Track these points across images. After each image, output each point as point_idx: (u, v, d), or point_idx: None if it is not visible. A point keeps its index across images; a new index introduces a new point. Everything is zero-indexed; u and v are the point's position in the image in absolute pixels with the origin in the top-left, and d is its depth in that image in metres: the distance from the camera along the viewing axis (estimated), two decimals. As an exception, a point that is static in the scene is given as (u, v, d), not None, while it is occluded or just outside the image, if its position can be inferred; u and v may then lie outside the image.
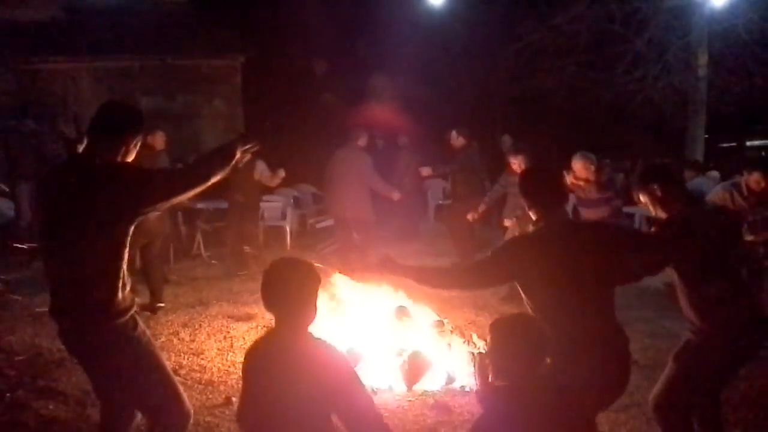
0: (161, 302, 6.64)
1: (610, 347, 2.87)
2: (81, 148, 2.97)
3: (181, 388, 2.98)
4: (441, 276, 3.28)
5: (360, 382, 2.39)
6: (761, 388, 4.63)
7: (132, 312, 2.81)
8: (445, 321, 5.62)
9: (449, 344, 5.21)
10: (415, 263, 4.16)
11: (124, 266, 2.78)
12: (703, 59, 12.22)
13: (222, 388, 4.66)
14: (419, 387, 4.68)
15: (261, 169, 8.22)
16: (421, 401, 4.47)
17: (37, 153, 8.56)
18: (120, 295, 2.74)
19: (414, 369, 4.73)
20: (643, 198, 3.49)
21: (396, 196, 8.08)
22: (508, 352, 2.39)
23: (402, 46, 16.24)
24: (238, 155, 2.92)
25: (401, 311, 5.43)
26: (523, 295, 2.99)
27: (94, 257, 2.69)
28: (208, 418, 4.15)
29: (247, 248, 8.47)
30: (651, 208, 3.49)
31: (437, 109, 15.59)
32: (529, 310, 2.97)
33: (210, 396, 4.52)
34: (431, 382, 4.74)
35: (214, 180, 2.83)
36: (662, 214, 3.43)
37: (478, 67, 16.23)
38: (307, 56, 16.71)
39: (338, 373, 2.33)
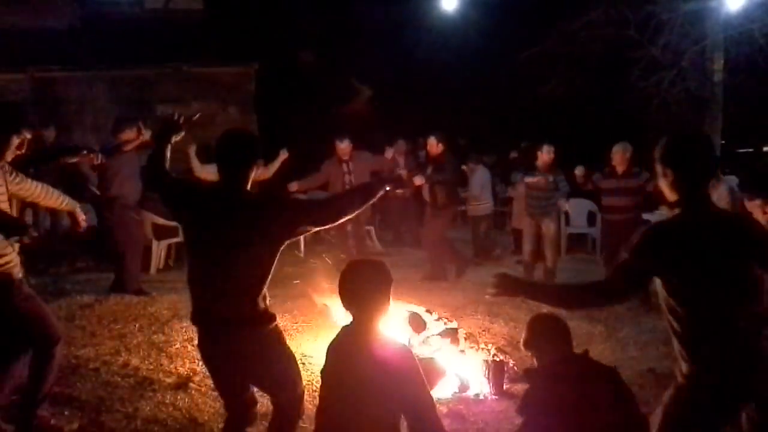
0: None
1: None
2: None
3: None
4: (580, 294, 2.92)
5: (424, 382, 2.64)
6: None
7: (276, 321, 3.21)
8: (459, 328, 5.59)
9: (463, 351, 5.19)
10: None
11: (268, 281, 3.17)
12: (719, 64, 12.12)
13: (235, 395, 4.64)
14: (432, 395, 4.64)
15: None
16: (435, 409, 4.45)
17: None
18: (263, 305, 3.14)
19: (427, 376, 4.69)
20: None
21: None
22: (545, 341, 3.01)
23: (414, 53, 16.26)
24: (378, 195, 3.29)
25: (415, 318, 5.41)
26: (663, 293, 2.72)
27: (253, 273, 3.08)
28: (222, 425, 4.14)
29: None
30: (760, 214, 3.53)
31: (449, 116, 15.56)
32: (669, 311, 2.70)
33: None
34: (444, 390, 4.72)
35: (351, 215, 3.25)
36: None
37: (491, 74, 16.18)
38: (318, 62, 16.79)
39: (407, 371, 2.59)
